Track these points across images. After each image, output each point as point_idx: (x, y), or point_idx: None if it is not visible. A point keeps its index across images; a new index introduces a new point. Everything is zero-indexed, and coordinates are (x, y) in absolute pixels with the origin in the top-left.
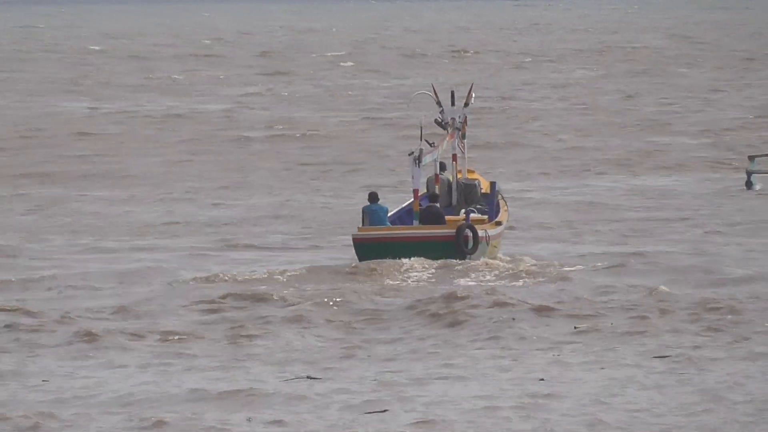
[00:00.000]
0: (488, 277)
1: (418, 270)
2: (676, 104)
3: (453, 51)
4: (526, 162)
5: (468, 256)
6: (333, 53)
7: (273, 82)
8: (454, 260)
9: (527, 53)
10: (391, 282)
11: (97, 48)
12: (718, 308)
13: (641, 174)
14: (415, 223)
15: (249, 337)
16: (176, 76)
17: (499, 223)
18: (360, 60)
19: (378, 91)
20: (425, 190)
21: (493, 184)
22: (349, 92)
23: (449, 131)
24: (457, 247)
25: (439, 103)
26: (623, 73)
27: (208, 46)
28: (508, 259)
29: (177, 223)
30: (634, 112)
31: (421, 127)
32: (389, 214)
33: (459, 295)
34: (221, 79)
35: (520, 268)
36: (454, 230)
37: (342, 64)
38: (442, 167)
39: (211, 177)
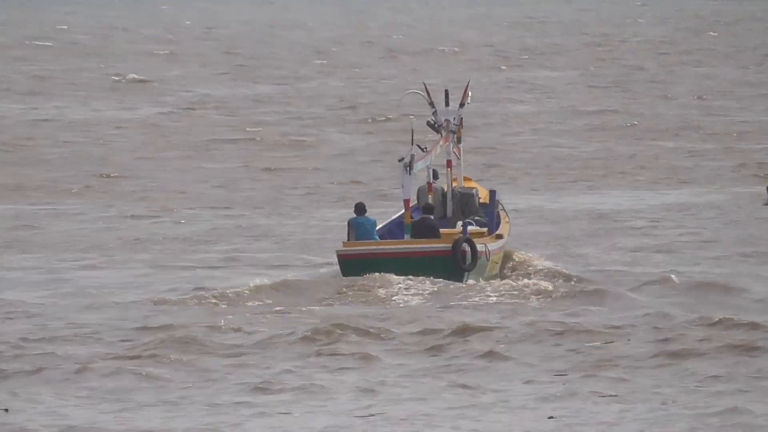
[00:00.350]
0: (488, 297)
1: (410, 289)
2: (686, 106)
3: (441, 47)
4: (523, 170)
5: (466, 272)
6: (307, 50)
7: (239, 81)
8: (451, 278)
9: (523, 49)
10: (378, 303)
11: (44, 44)
12: (738, 331)
13: (648, 184)
14: (407, 236)
15: (215, 365)
16: (132, 75)
17: (499, 237)
18: (337, 57)
19: (357, 91)
20: (416, 201)
21: (492, 193)
22: (325, 92)
23: (443, 134)
24: (454, 263)
25: (431, 104)
26: (626, 72)
27: (170, 41)
28: (510, 276)
29: (133, 238)
30: (639, 115)
31: (413, 131)
32: (378, 228)
33: (456, 317)
34: (182, 78)
35: (523, 287)
36: (451, 244)
37: (317, 61)
38: (435, 175)
39: (170, 187)
